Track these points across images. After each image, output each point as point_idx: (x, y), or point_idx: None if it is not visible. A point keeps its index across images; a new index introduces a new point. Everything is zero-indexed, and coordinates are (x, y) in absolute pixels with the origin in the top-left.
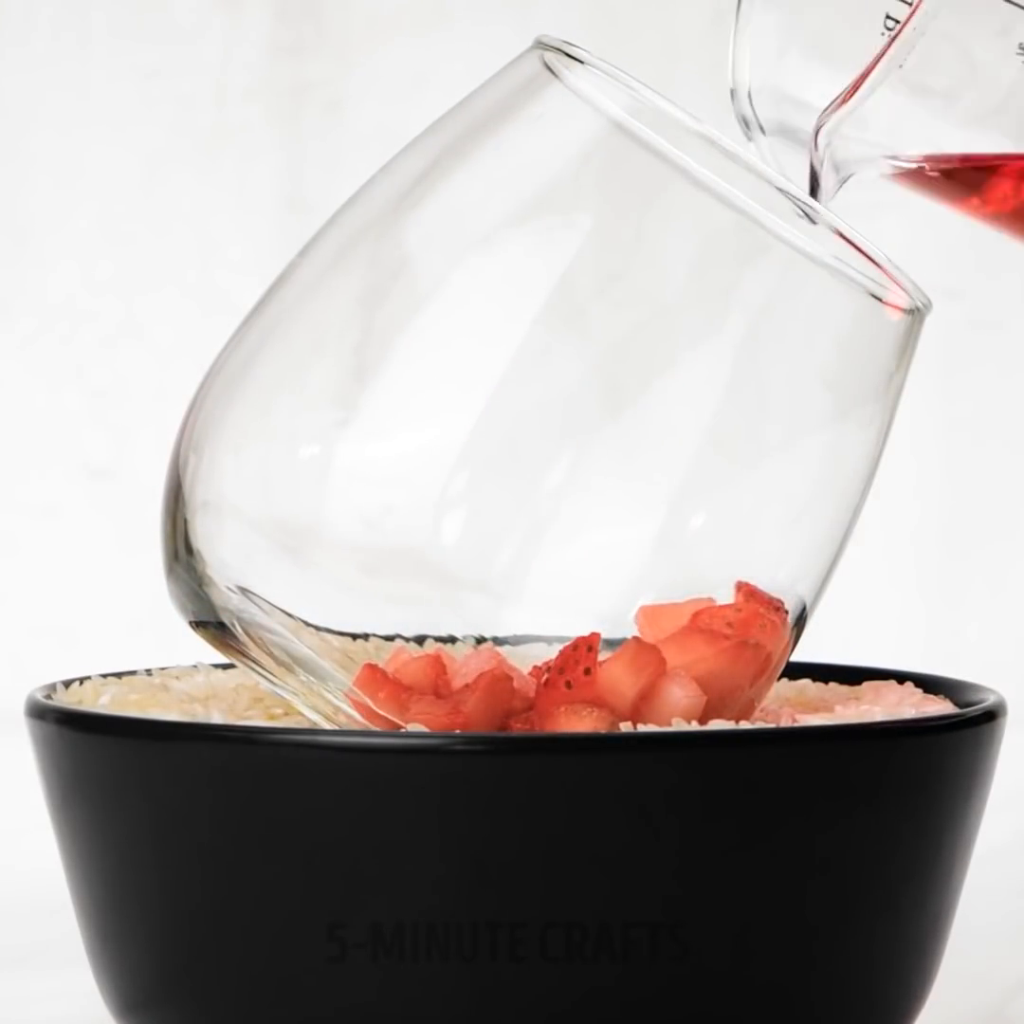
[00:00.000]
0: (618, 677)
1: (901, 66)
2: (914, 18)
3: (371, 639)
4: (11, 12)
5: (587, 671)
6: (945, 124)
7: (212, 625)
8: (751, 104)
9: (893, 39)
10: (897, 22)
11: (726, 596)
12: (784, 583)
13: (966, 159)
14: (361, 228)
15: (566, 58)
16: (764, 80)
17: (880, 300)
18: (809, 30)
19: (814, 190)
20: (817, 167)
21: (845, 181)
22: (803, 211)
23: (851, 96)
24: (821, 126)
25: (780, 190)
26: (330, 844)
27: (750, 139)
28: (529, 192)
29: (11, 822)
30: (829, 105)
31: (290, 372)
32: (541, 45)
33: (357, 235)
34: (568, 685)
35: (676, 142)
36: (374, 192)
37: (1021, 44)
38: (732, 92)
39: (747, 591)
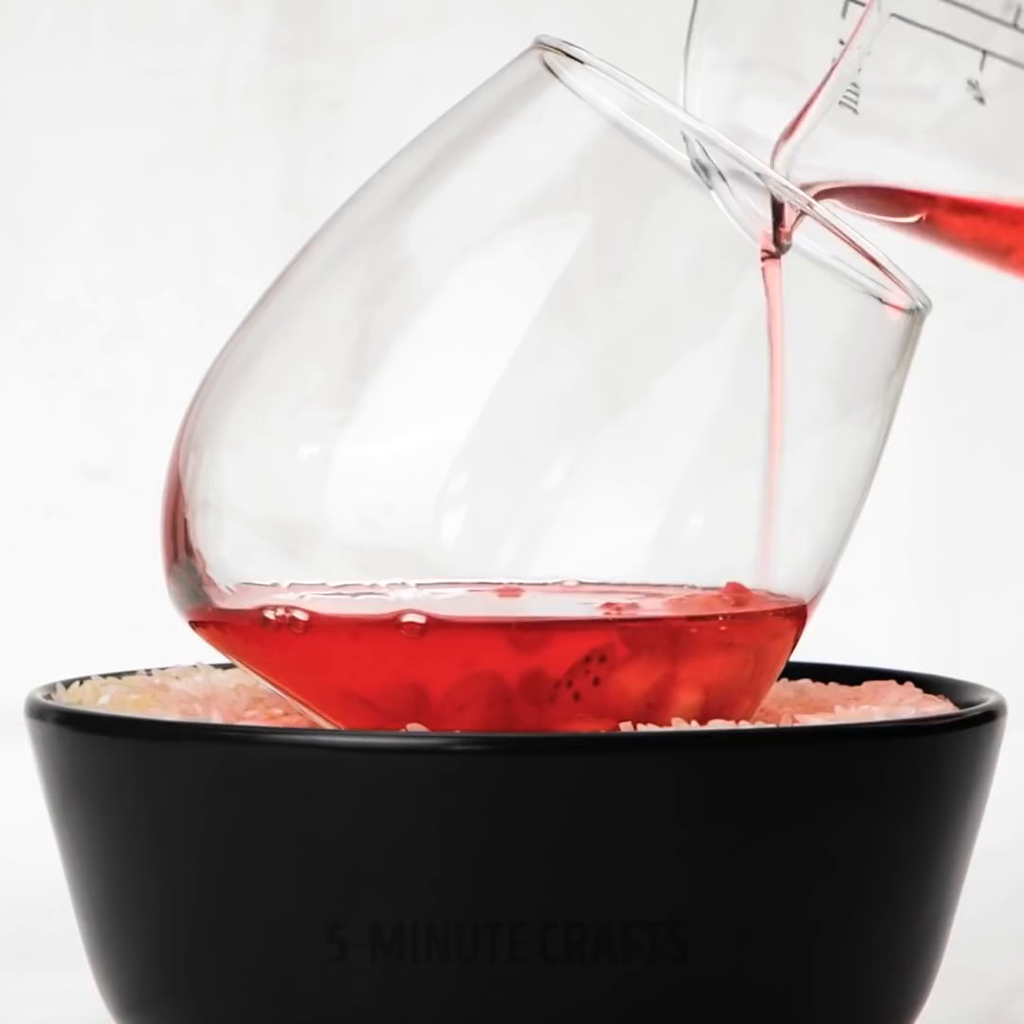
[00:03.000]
0: (627, 687)
1: (849, 89)
2: (855, 40)
3: None
4: (11, 13)
5: (596, 681)
6: (897, 147)
7: (212, 625)
8: (706, 151)
9: (836, 63)
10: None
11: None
12: (784, 583)
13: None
14: (361, 228)
15: (566, 58)
16: (721, 122)
17: (880, 300)
18: (764, 64)
19: (777, 223)
20: (778, 198)
21: (804, 213)
22: (803, 210)
23: (799, 123)
24: (775, 156)
25: (781, 188)
26: (330, 844)
27: (710, 187)
28: (529, 192)
29: (11, 822)
30: (780, 135)
31: (290, 372)
32: (541, 45)
33: (357, 235)
34: (576, 697)
35: (676, 142)
36: (374, 192)
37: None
38: (685, 138)
39: (740, 590)
